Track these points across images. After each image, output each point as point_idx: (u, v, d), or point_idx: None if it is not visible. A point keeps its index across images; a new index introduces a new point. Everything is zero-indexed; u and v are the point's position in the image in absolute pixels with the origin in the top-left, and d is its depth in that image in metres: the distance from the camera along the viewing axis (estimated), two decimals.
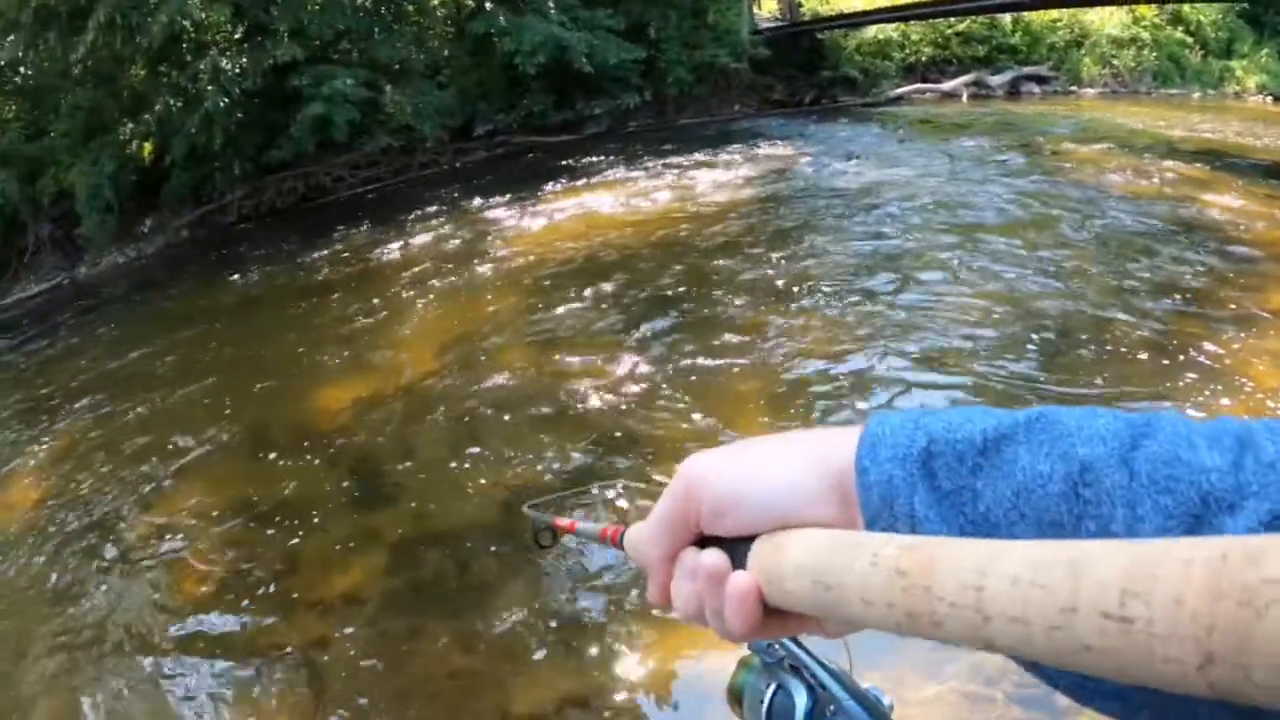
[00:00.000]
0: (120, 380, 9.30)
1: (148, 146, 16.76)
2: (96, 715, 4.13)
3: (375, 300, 8.80)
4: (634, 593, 4.03)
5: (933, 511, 0.48)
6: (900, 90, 17.62)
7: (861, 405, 5.24)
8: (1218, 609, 0.27)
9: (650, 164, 11.99)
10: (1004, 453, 0.47)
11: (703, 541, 0.57)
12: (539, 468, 5.10)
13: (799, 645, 0.90)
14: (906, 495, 0.49)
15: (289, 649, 4.16)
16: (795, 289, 6.64)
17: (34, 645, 4.85)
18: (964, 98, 16.93)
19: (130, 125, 16.72)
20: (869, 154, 10.60)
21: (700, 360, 5.86)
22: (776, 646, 0.88)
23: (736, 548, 0.54)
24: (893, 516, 0.49)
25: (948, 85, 17.47)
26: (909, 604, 0.40)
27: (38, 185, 17.49)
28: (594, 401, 5.60)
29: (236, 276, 12.19)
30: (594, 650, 3.83)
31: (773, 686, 0.85)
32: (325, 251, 11.80)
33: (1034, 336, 5.78)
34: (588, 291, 7.27)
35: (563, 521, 1.15)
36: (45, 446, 8.04)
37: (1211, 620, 0.27)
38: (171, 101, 16.12)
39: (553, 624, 3.98)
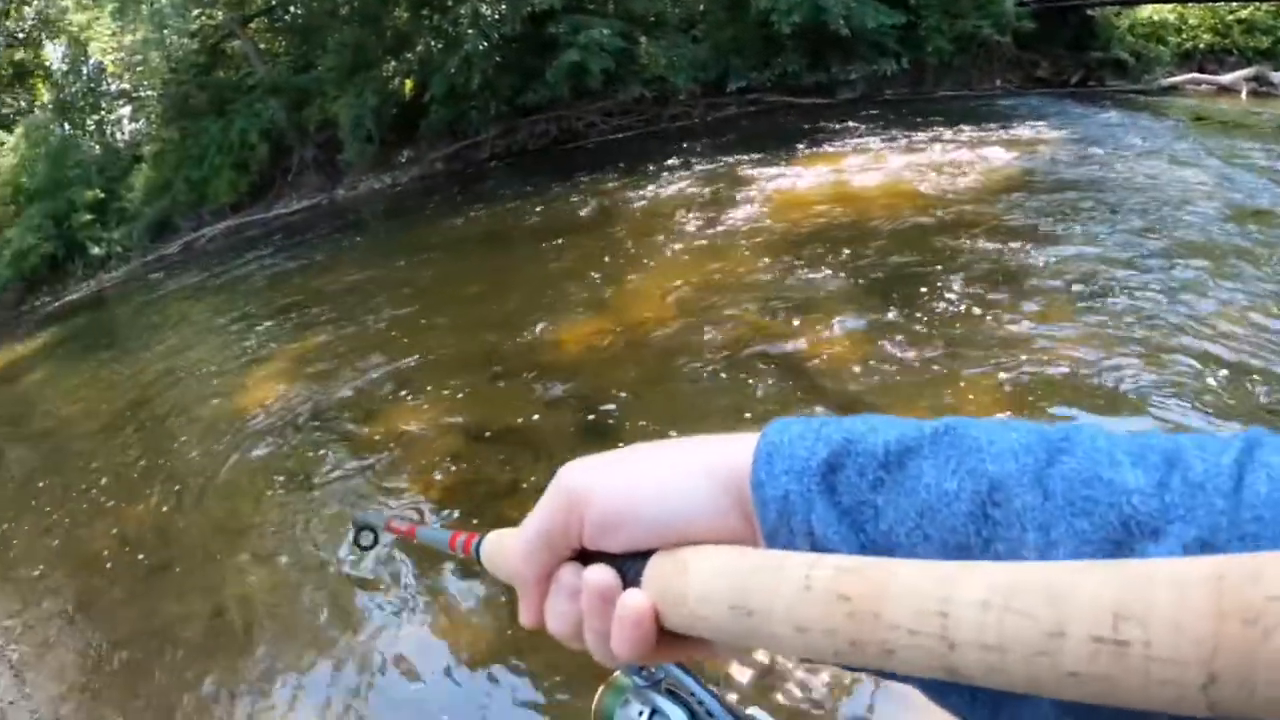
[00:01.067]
0: (367, 293, 9.66)
1: (409, 83, 17.44)
2: (309, 594, 4.41)
3: (619, 246, 8.82)
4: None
5: (831, 529, 0.44)
6: (1173, 79, 16.18)
7: (1102, 420, 4.61)
8: (1222, 629, 0.27)
9: (904, 135, 11.39)
10: (908, 468, 0.43)
11: (582, 556, 0.51)
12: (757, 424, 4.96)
13: (679, 666, 0.84)
14: (804, 512, 0.44)
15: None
16: (1046, 284, 5.87)
17: (260, 520, 5.24)
18: (1243, 94, 15.29)
19: (393, 63, 17.48)
20: (1138, 146, 9.71)
21: (937, 347, 5.33)
22: (652, 668, 0.82)
23: (626, 565, 0.49)
24: (791, 533, 0.45)
25: (1226, 78, 15.89)
26: (855, 632, 0.37)
27: (304, 113, 18.61)
28: (823, 372, 5.39)
29: (485, 210, 12.48)
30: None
31: (646, 712, 0.79)
32: (574, 194, 11.87)
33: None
34: (829, 259, 6.88)
35: (399, 524, 1.04)
36: (292, 345, 8.49)
37: (1216, 641, 0.27)
38: (432, 42, 16.76)
39: None
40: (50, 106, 25.69)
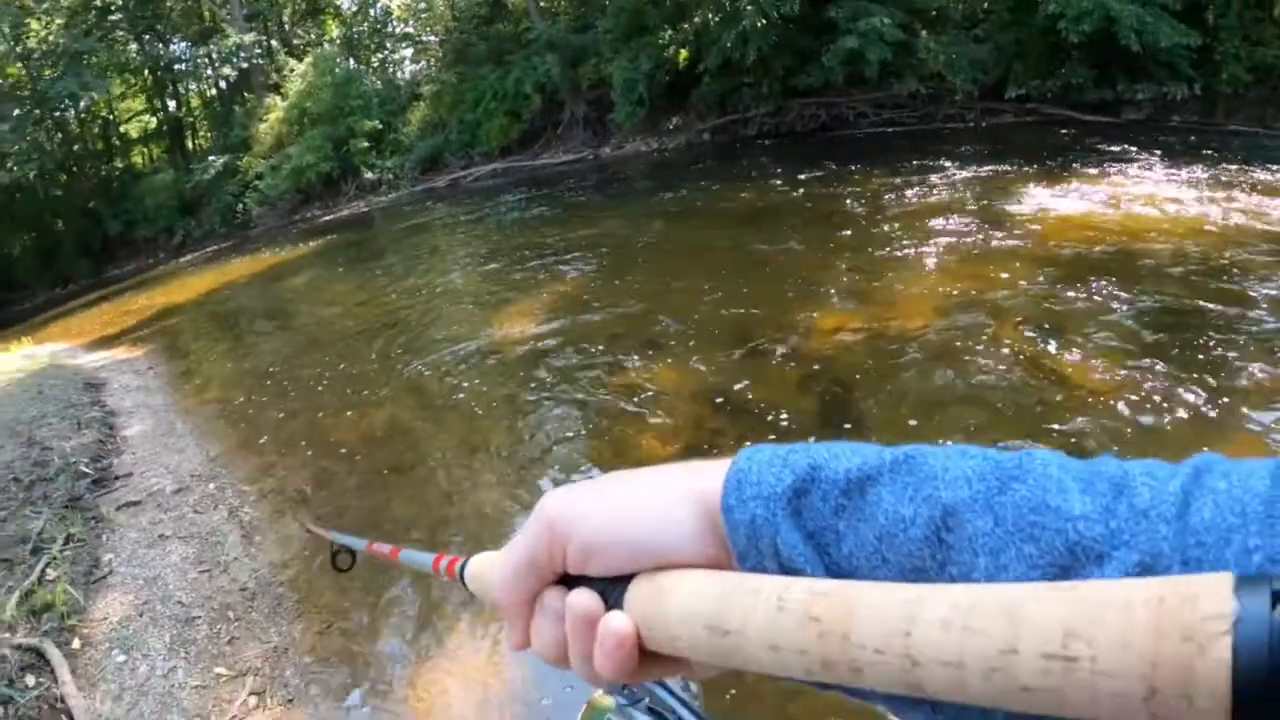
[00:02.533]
0: (624, 250, 9.68)
1: (683, 53, 17.49)
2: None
3: (880, 240, 8.47)
4: None
5: (796, 551, 0.45)
6: None
7: None
8: (1162, 646, 0.29)
9: (1190, 168, 10.41)
10: (867, 494, 0.45)
11: (566, 580, 0.53)
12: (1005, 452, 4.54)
13: (662, 685, 0.85)
14: (770, 535, 0.46)
15: None
16: None
17: (495, 446, 5.22)
18: None
19: (669, 31, 17.50)
20: None
21: (1208, 400, 4.70)
22: (634, 688, 0.83)
23: (608, 588, 0.50)
24: (760, 555, 0.47)
25: None
26: (824, 651, 0.38)
27: (578, 71, 19.03)
28: (1075, 407, 5.00)
29: (749, 186, 12.24)
30: None
31: None
32: (839, 183, 11.47)
33: None
34: (1098, 289, 6.27)
35: (381, 547, 0.99)
36: (545, 287, 8.58)
37: (1156, 657, 0.29)
38: (710, 15, 16.60)
39: None
40: (338, 42, 27.67)
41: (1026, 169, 10.94)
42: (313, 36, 28.44)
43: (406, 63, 26.79)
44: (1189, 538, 0.35)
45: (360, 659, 3.49)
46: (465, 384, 6.29)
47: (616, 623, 0.48)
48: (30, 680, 3.31)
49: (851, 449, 0.47)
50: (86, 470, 5.68)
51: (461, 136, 20.87)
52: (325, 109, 22.81)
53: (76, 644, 3.70)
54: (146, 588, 4.18)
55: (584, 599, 0.50)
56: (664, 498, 0.50)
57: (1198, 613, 0.29)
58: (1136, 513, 0.37)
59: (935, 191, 10.44)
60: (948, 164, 11.70)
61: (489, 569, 0.63)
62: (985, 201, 9.68)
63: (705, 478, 0.50)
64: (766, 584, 0.43)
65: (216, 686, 3.37)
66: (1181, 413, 4.80)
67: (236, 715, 3.18)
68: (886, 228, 8.97)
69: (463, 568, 0.68)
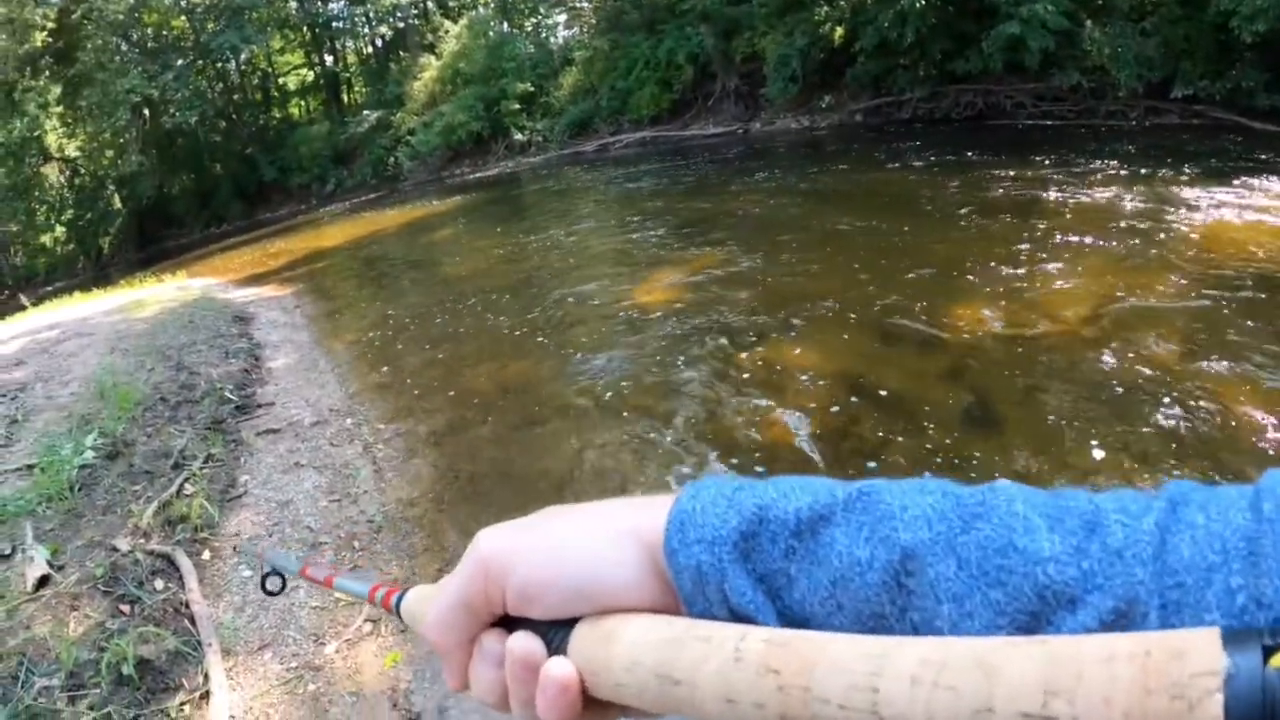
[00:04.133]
0: (770, 226, 9.54)
1: (839, 31, 17.09)
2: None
3: (1032, 237, 8.16)
4: None
5: (745, 598, 0.43)
6: None
7: None
8: (1149, 704, 0.28)
9: None
10: (820, 535, 0.42)
11: (507, 621, 0.50)
12: (1141, 474, 4.21)
13: None
14: (716, 581, 0.44)
15: None
16: None
17: (670, 412, 5.15)
18: None
19: (825, 8, 17.11)
20: None
21: None
22: None
23: (550, 631, 0.47)
24: (707, 600, 0.44)
25: None
26: (784, 706, 0.36)
27: (732, 44, 18.85)
28: (1232, 432, 4.69)
29: (901, 170, 12.02)
30: None
31: None
32: (993, 173, 11.30)
33: None
34: (1263, 311, 6.08)
35: (315, 571, 0.94)
36: (688, 257, 8.51)
37: (1144, 715, 0.28)
38: None
39: None
40: (493, 5, 28.28)
41: (1190, 175, 10.32)
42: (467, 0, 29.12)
43: (560, 28, 27.09)
44: (1167, 579, 0.34)
45: None
46: (601, 345, 6.31)
47: (558, 669, 0.45)
48: (159, 584, 3.40)
49: (802, 485, 0.45)
50: (231, 396, 5.89)
51: (611, 103, 21.01)
52: (478, 70, 23.30)
53: (206, 555, 3.81)
54: (278, 510, 4.30)
55: (524, 643, 0.47)
56: (606, 537, 0.48)
57: (1186, 669, 0.28)
58: (1110, 553, 0.35)
59: (1091, 191, 10.19)
60: (1106, 163, 11.34)
61: (424, 605, 0.58)
62: (1144, 206, 9.32)
63: (649, 516, 0.47)
64: (719, 631, 0.41)
65: (334, 610, 3.44)
66: None
67: (350, 638, 3.25)
68: (1038, 224, 8.80)
69: (399, 600, 0.65)
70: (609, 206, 12.83)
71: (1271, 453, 4.35)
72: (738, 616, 0.43)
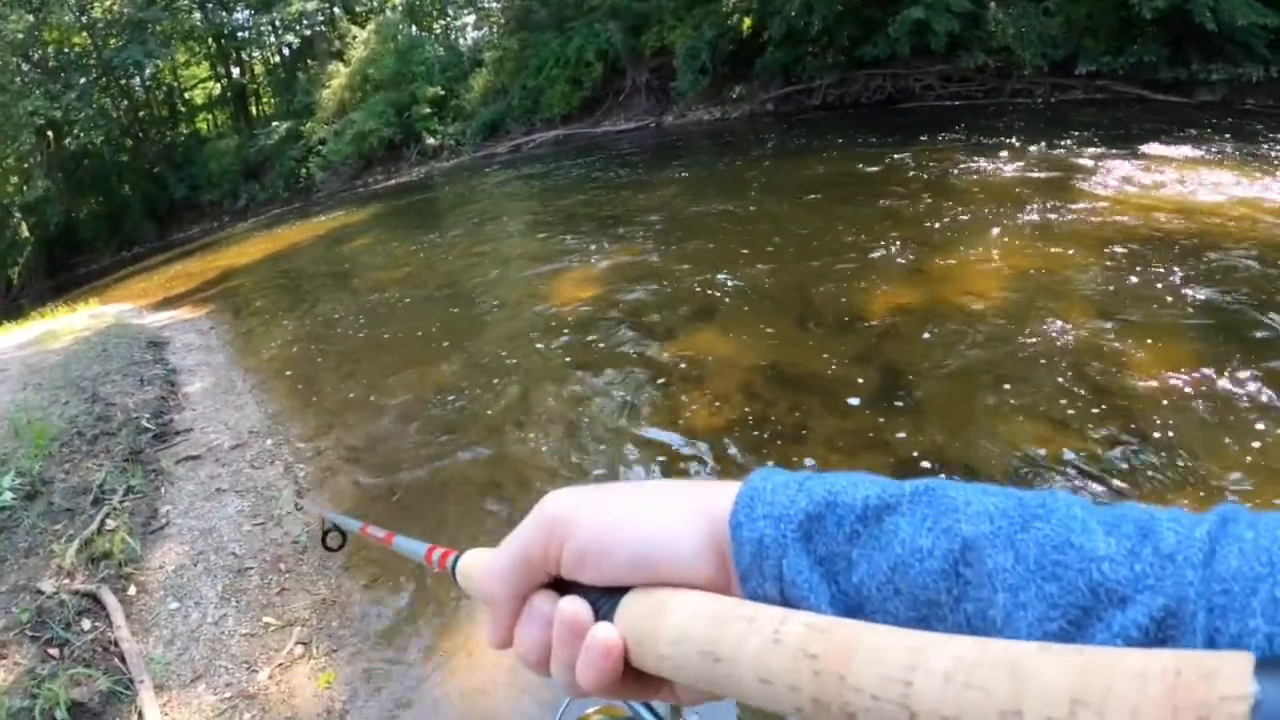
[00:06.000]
0: (684, 218, 9.63)
1: (747, 21, 17.27)
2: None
3: (943, 216, 8.30)
4: None
5: (801, 577, 0.45)
6: None
7: None
8: None
9: (1267, 153, 10.00)
10: (885, 523, 0.44)
11: (557, 585, 0.52)
12: (1064, 440, 4.44)
13: (645, 705, 0.84)
14: (776, 557, 0.45)
15: None
16: None
17: (566, 412, 5.22)
18: None
19: (733, 0, 17.30)
20: None
21: (1275, 396, 4.69)
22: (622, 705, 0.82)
23: (599, 598, 0.49)
24: (762, 576, 0.46)
25: None
26: (818, 690, 0.37)
27: (641, 39, 18.89)
28: (1142, 395, 4.83)
29: (812, 157, 12.08)
30: None
31: None
32: (904, 154, 11.49)
33: None
34: (1168, 278, 5.62)
35: (375, 531, 0.98)
36: (604, 254, 8.55)
37: None
38: None
39: None
40: (400, 8, 27.82)
41: (1095, 148, 10.74)
42: (375, 3, 28.62)
43: (469, 29, 26.91)
44: (1215, 584, 0.35)
45: (404, 613, 3.55)
46: (520, 347, 6.34)
47: (604, 633, 0.46)
48: (87, 624, 3.39)
49: (871, 479, 0.47)
50: (148, 425, 5.81)
51: (523, 103, 20.91)
52: (388, 75, 23.02)
53: (132, 591, 3.79)
54: (202, 538, 4.28)
55: (574, 605, 0.49)
56: (671, 512, 0.49)
57: (1215, 691, 0.28)
58: (1162, 557, 0.37)
59: (1000, 168, 10.35)
60: (1014, 140, 11.56)
61: (481, 563, 0.62)
62: (1051, 179, 9.59)
63: (715, 496, 0.49)
64: (764, 613, 0.42)
65: (265, 635, 3.44)
66: (1243, 407, 4.61)
67: (283, 663, 3.25)
68: (948, 202, 8.88)
69: (455, 561, 0.67)
70: (524, 207, 12.90)
71: (1182, 410, 4.48)
72: (787, 599, 0.45)
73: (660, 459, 4.51)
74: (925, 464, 4.30)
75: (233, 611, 3.64)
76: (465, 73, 23.18)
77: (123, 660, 3.19)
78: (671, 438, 4.70)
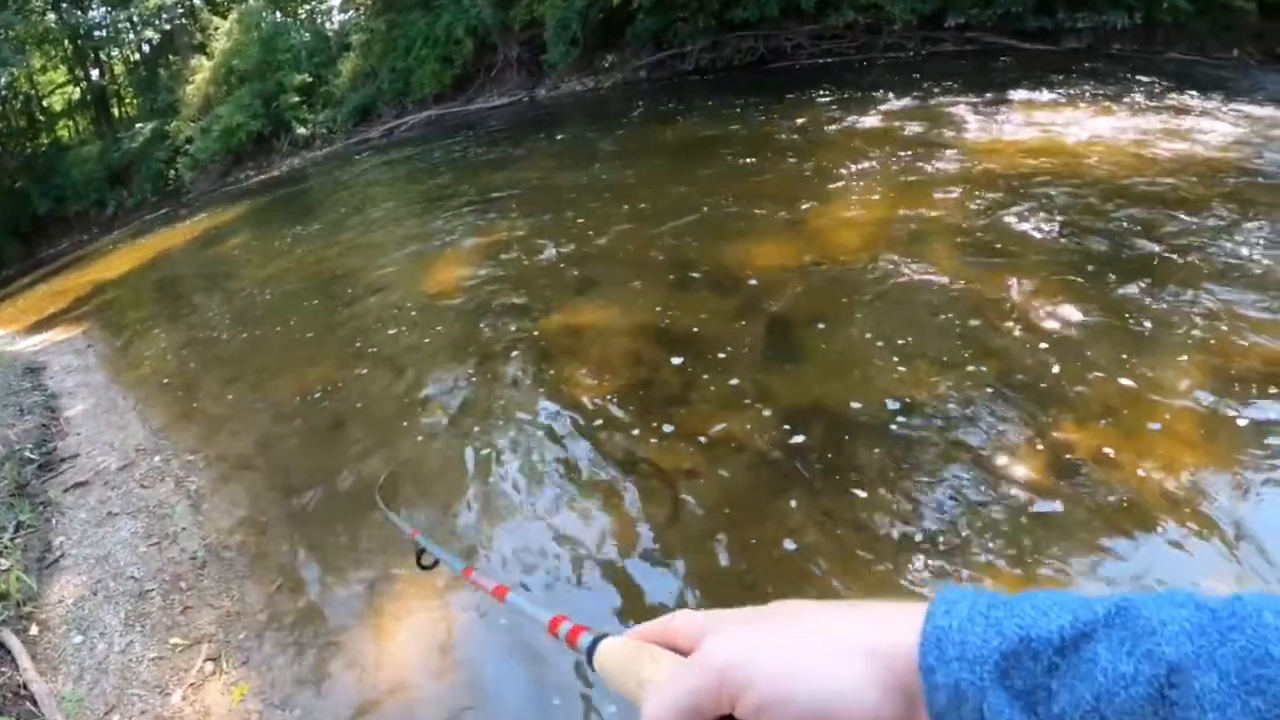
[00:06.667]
0: (560, 190, 9.69)
1: None
2: (471, 476, 4.40)
3: (817, 170, 8.49)
4: (999, 546, 3.49)
5: (1003, 716, 0.44)
6: None
7: None
8: None
9: (1128, 96, 10.16)
10: (1082, 651, 0.44)
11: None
12: (942, 379, 4.68)
13: None
14: (976, 700, 0.45)
15: (655, 470, 4.18)
16: (1263, 278, 5.25)
17: (434, 395, 5.31)
18: None
19: None
20: None
21: (1140, 320, 4.83)
22: None
23: None
24: (960, 718, 0.46)
25: None
26: None
27: (510, 13, 18.47)
28: (1013, 327, 5.08)
29: (686, 121, 12.23)
30: (938, 570, 3.46)
31: None
32: (776, 114, 11.51)
33: None
34: (1033, 215, 6.13)
35: (485, 581, 0.97)
36: (482, 232, 8.57)
37: None
38: None
39: (910, 537, 3.66)
40: None
41: (965, 97, 10.99)
42: None
43: (335, 12, 25.88)
44: None
45: (310, 616, 3.58)
46: (403, 336, 6.34)
47: None
48: None
49: (1055, 602, 0.46)
50: (32, 456, 5.75)
51: (394, 85, 20.46)
52: (253, 66, 22.26)
53: (34, 630, 3.79)
54: (98, 566, 4.26)
55: None
56: (845, 654, 0.49)
57: None
58: None
59: (873, 121, 10.48)
60: (887, 94, 11.76)
61: (635, 666, 0.60)
62: (923, 130, 9.73)
63: (893, 631, 0.49)
64: None
65: (173, 656, 3.47)
66: (1109, 341, 4.83)
67: (194, 682, 3.28)
68: (823, 158, 8.97)
69: (591, 645, 0.66)
70: (400, 192, 12.77)
71: (1053, 342, 4.73)
72: None
73: (555, 435, 4.59)
74: (806, 415, 4.41)
75: (138, 637, 3.66)
76: (333, 58, 22.57)
77: (34, 703, 3.22)
78: (562, 411, 4.79)
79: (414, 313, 6.73)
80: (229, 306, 8.86)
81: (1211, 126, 8.79)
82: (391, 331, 6.45)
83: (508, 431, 4.72)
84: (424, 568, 1.23)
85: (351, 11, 24.60)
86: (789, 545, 3.64)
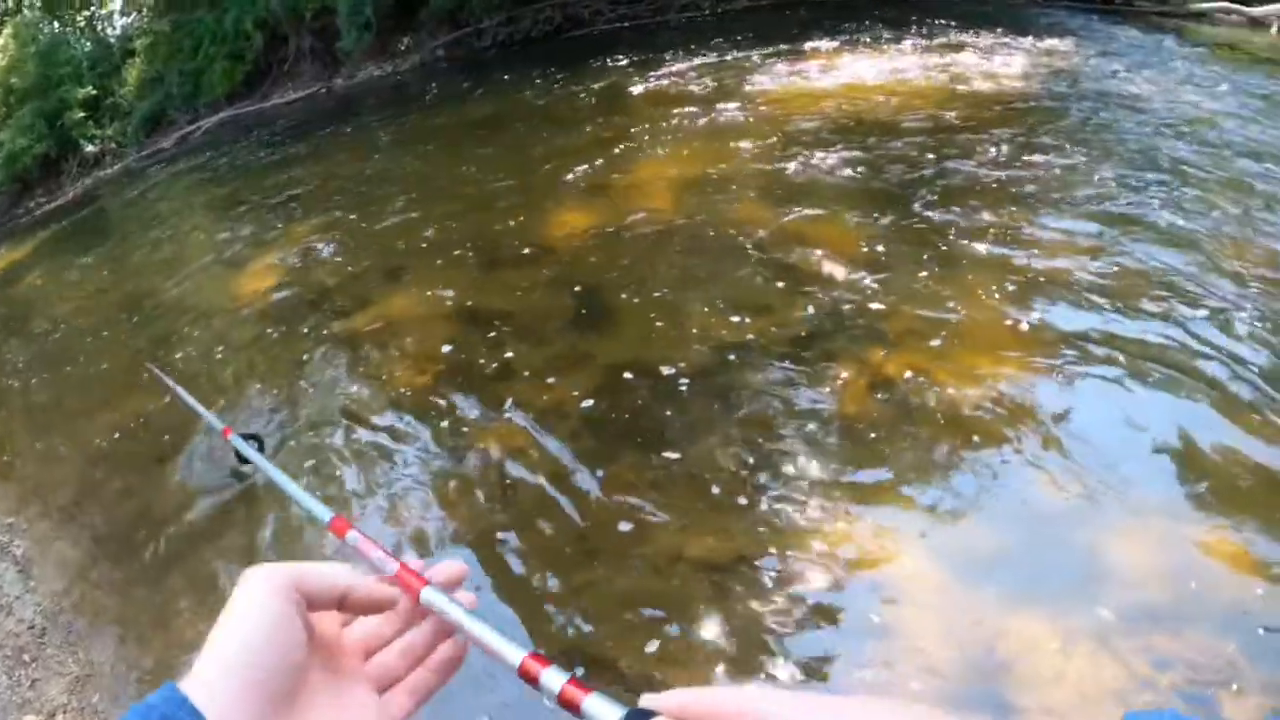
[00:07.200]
0: (363, 181, 9.58)
1: None
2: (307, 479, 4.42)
3: (620, 135, 8.70)
4: (833, 471, 3.82)
5: None
6: (1203, 5, 15.26)
7: (1098, 354, 4.35)
8: None
9: (920, 36, 10.69)
10: None
11: None
12: (757, 322, 4.91)
13: None
14: None
15: (486, 451, 4.28)
16: (1046, 196, 6.01)
17: (257, 410, 5.28)
18: (1274, 29, 14.36)
19: None
20: (1158, 70, 9.09)
21: (936, 247, 5.37)
22: None
23: None
24: None
25: (1258, 10, 14.86)
26: None
27: (300, 1, 17.72)
28: (822, 266, 5.35)
29: (486, 98, 12.23)
30: (776, 509, 3.64)
31: None
32: (576, 83, 11.76)
33: None
34: (834, 156, 6.97)
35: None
36: (287, 234, 8.41)
37: None
38: None
39: (742, 476, 3.84)
40: (38, 4, 25.06)
41: (762, 50, 11.17)
42: (9, 4, 25.61)
43: (116, 16, 24.31)
44: None
45: (163, 664, 3.53)
46: (213, 353, 6.25)
47: None
48: None
49: None
50: None
51: (184, 89, 19.45)
52: (32, 82, 20.71)
53: None
54: None
55: None
56: None
57: None
58: None
59: (670, 82, 10.62)
60: (684, 54, 11.86)
61: None
62: (721, 85, 9.92)
63: None
64: None
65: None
66: (914, 264, 5.16)
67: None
68: (625, 122, 9.18)
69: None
70: (199, 201, 12.44)
71: (866, 274, 5.07)
72: None
73: (379, 434, 4.62)
74: (628, 375, 4.56)
75: None
76: (117, 66, 21.33)
77: None
78: (384, 408, 4.84)
79: (228, 326, 6.62)
80: (29, 351, 8.41)
81: (998, 60, 9.67)
82: (201, 350, 6.34)
83: (330, 437, 4.71)
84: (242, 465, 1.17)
85: (134, 15, 23.22)
86: (626, 501, 3.76)
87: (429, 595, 0.64)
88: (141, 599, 4.00)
